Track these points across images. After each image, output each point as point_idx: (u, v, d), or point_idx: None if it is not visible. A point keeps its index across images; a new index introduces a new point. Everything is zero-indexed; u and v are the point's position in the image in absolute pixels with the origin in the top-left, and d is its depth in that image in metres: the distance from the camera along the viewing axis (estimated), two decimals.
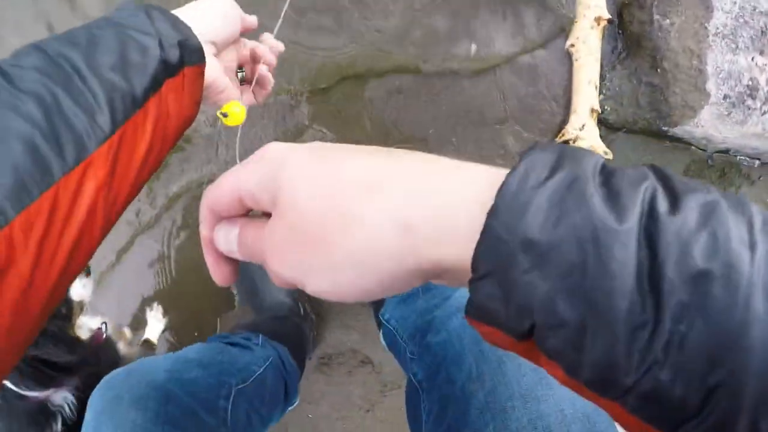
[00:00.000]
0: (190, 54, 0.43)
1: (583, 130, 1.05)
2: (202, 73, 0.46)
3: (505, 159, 1.06)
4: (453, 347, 0.56)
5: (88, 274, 1.02)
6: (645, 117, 1.08)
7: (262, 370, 0.76)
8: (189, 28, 0.44)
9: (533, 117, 1.07)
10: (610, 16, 1.07)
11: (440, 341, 0.59)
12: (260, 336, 0.85)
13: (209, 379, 0.66)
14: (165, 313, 1.14)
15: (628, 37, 1.09)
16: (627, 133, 1.09)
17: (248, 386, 0.71)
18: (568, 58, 1.08)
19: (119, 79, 0.37)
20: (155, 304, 1.15)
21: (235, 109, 0.55)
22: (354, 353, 1.10)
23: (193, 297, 1.12)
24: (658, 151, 1.11)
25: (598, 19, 1.06)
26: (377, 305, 0.86)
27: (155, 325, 1.13)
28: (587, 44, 1.06)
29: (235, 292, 1.12)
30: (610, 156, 1.06)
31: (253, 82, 0.58)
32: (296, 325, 1.00)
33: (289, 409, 0.90)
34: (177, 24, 0.43)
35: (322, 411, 1.14)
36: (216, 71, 0.50)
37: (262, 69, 0.57)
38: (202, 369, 0.66)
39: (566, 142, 1.06)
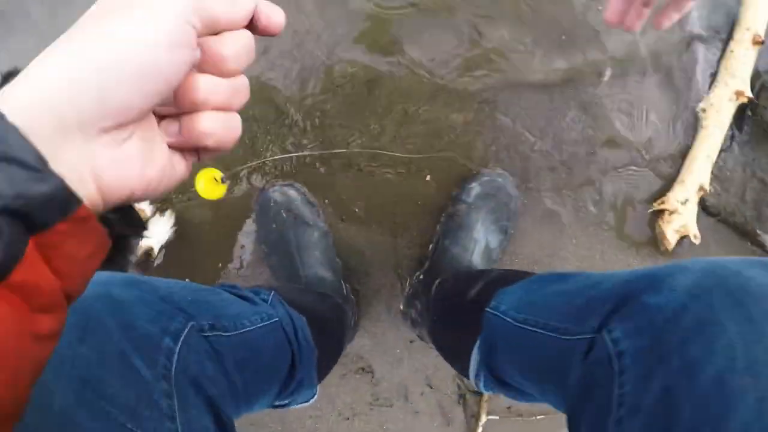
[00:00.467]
0: (49, 212, 0.23)
1: (685, 206, 0.95)
2: (86, 217, 0.25)
3: (597, 205, 0.95)
4: (689, 312, 0.36)
5: None
6: (744, 213, 0.99)
7: (256, 327, 0.58)
8: (32, 162, 0.22)
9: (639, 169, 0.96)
10: (752, 96, 0.96)
11: (664, 302, 0.38)
12: (272, 293, 0.66)
13: (160, 307, 0.45)
14: (176, 223, 0.94)
15: (757, 124, 0.99)
16: (719, 222, 1.00)
17: (226, 338, 0.52)
18: (695, 120, 0.97)
19: None
20: (168, 210, 0.94)
21: (215, 181, 0.39)
22: (358, 358, 0.97)
23: (194, 239, 0.94)
24: (738, 249, 1.02)
25: (738, 93, 0.95)
26: (479, 305, 0.65)
27: (162, 233, 0.93)
28: (719, 115, 0.96)
29: (237, 252, 0.95)
30: (698, 241, 0.96)
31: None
32: (337, 306, 0.83)
33: (301, 404, 0.73)
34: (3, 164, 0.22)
35: None
36: (136, 173, 0.28)
37: (210, 124, 0.30)
38: (159, 298, 0.46)
39: (662, 211, 0.96)
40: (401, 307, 0.91)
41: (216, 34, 0.29)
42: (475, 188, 0.87)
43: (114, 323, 0.40)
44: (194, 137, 0.29)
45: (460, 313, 0.71)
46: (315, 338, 0.69)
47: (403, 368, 0.98)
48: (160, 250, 0.94)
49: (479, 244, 0.85)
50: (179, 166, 0.31)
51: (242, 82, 0.30)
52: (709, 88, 0.97)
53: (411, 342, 0.96)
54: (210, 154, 0.32)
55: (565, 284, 0.54)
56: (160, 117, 0.30)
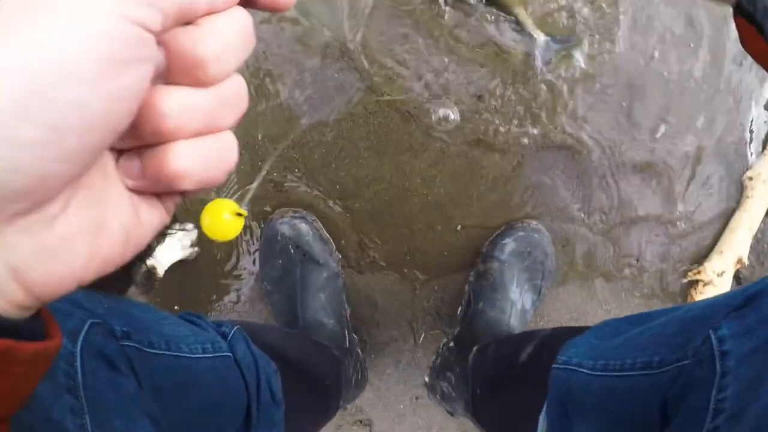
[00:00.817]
0: None
1: (721, 278, 0.89)
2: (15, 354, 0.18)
3: (635, 270, 0.88)
4: None
5: None
6: None
7: (196, 356, 0.46)
8: None
9: (672, 232, 0.89)
10: None
11: None
12: (235, 328, 0.53)
13: (53, 306, 0.33)
14: (196, 243, 0.81)
15: None
16: None
17: (152, 356, 0.41)
18: (739, 188, 0.91)
19: None
20: (190, 225, 0.80)
21: (226, 217, 0.28)
22: (357, 411, 0.89)
23: (190, 263, 0.84)
24: None
25: None
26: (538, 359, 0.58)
27: (174, 251, 0.79)
28: (766, 186, 0.90)
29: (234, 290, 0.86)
30: None
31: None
32: (332, 358, 0.72)
33: None
34: None
35: None
36: (81, 257, 0.19)
37: (184, 162, 0.20)
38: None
39: (696, 282, 0.90)
40: (426, 380, 0.82)
41: (190, 21, 0.19)
42: (509, 244, 0.79)
43: None
44: (163, 180, 0.20)
45: (512, 381, 0.62)
46: (292, 393, 0.57)
47: (404, 425, 0.90)
48: (167, 270, 0.82)
49: (515, 306, 0.77)
50: (151, 215, 0.21)
51: (234, 88, 0.20)
52: (758, 156, 0.91)
53: (416, 399, 0.89)
54: (194, 194, 0.22)
55: (648, 321, 0.47)
56: (118, 152, 0.20)
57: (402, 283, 0.83)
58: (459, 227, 0.81)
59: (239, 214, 0.29)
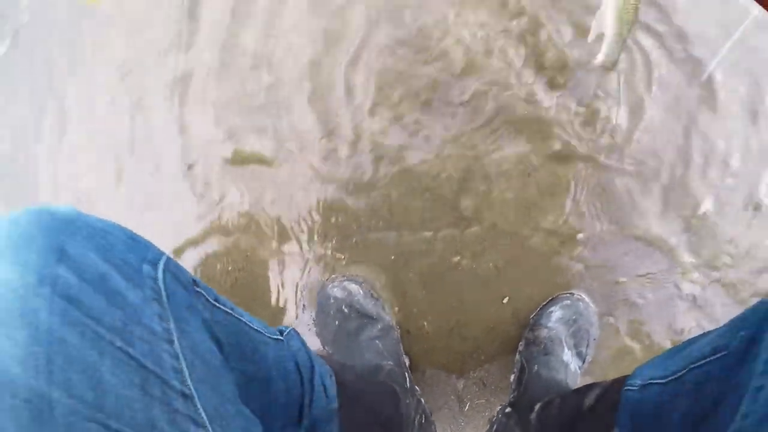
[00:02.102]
0: None
1: None
2: None
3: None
4: None
5: None
6: None
7: (255, 329, 0.48)
8: None
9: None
10: None
11: None
12: (290, 329, 0.56)
13: (135, 237, 0.40)
14: None
15: None
16: None
17: (222, 313, 0.44)
18: None
19: None
20: None
21: None
22: None
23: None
24: None
25: None
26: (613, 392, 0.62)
27: None
28: None
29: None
30: None
31: None
32: (392, 392, 0.73)
33: None
34: None
35: None
36: None
37: None
38: (129, 234, 0.40)
39: None
40: None
41: None
42: (555, 312, 0.82)
43: (90, 245, 0.35)
44: None
45: (579, 421, 0.66)
46: (348, 417, 0.58)
47: None
48: None
49: (569, 367, 0.80)
50: None
51: None
52: None
53: None
54: None
55: (707, 339, 0.51)
56: None
57: (449, 353, 0.86)
58: (505, 300, 0.84)
59: None
